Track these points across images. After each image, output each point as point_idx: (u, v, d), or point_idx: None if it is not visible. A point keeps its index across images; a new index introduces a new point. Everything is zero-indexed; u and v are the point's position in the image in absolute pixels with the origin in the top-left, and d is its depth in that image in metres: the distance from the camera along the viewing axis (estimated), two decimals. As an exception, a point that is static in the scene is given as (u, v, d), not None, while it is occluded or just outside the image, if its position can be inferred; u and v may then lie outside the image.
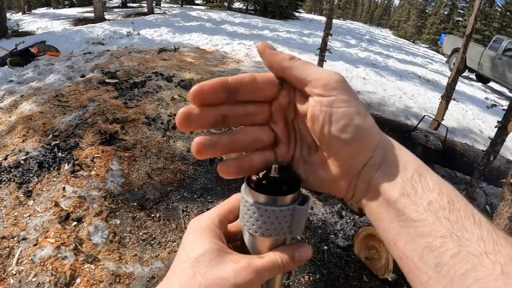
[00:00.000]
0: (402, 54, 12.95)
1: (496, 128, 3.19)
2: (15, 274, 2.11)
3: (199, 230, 0.37)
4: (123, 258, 2.32)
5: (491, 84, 10.55)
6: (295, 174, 0.37)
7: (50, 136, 3.44)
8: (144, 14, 14.81)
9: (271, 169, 0.35)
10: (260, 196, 0.34)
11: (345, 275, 2.44)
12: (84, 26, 10.65)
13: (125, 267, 2.25)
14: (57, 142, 3.31)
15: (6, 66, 5.60)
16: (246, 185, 0.35)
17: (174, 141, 3.70)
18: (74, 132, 3.54)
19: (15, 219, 2.49)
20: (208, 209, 2.15)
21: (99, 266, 2.21)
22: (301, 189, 0.36)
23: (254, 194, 0.34)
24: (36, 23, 13.37)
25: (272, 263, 0.35)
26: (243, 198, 0.36)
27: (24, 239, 2.34)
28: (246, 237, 0.37)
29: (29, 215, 2.54)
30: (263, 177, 0.35)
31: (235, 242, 0.40)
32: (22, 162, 3.04)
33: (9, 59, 5.83)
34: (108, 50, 7.03)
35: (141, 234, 2.57)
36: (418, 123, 3.59)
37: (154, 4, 16.61)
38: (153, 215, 2.76)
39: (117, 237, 2.48)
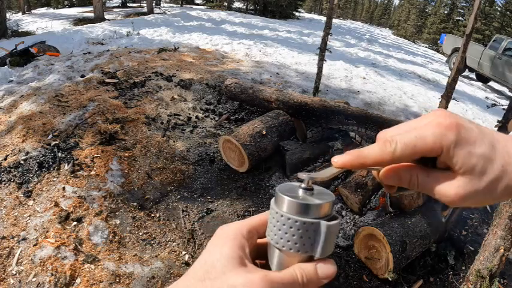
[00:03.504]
0: (402, 53, 12.94)
1: (496, 128, 3.19)
2: (15, 274, 2.11)
3: (223, 236, 0.36)
4: (123, 258, 2.32)
5: (491, 83, 10.54)
6: (327, 190, 0.37)
7: (50, 136, 3.44)
8: (144, 13, 14.80)
9: (304, 181, 0.35)
10: (285, 201, 0.33)
11: (345, 274, 2.44)
12: (84, 26, 10.65)
13: (125, 267, 2.25)
14: (57, 142, 3.31)
15: (6, 66, 5.60)
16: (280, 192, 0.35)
17: (174, 141, 3.70)
18: (74, 132, 3.54)
19: (15, 219, 2.49)
20: (208, 209, 2.16)
21: (99, 266, 2.21)
22: (332, 209, 0.35)
23: (281, 198, 0.34)
24: (36, 23, 13.36)
25: (291, 278, 0.33)
26: (271, 207, 0.35)
27: (24, 239, 2.34)
28: (270, 251, 0.36)
29: (29, 215, 2.54)
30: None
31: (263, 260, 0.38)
32: (22, 162, 3.03)
33: (9, 59, 5.82)
34: (108, 50, 7.03)
35: (141, 234, 2.57)
36: (418, 123, 3.58)
37: (154, 4, 16.60)
38: (153, 215, 2.76)
39: (117, 237, 2.48)
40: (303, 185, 0.35)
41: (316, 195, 0.35)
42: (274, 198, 0.35)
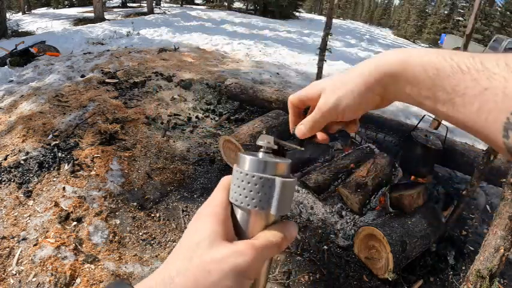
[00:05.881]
0: (402, 53, 12.92)
1: (496, 128, 3.19)
2: (15, 274, 2.11)
3: (205, 214, 0.37)
4: (123, 258, 2.32)
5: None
6: (284, 152, 0.40)
7: (50, 136, 3.44)
8: (144, 13, 14.81)
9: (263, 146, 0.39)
10: (243, 158, 0.36)
11: (345, 274, 2.44)
12: (84, 26, 10.66)
13: (125, 267, 2.25)
14: (57, 142, 3.31)
15: (6, 66, 5.60)
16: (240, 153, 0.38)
17: (174, 141, 3.70)
18: (74, 132, 3.54)
19: (15, 219, 2.49)
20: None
21: (99, 266, 2.21)
22: (289, 170, 0.37)
23: (242, 158, 0.36)
24: (36, 23, 13.36)
25: (268, 241, 0.35)
26: (233, 169, 0.37)
27: (24, 239, 2.34)
28: (234, 215, 0.37)
29: (29, 215, 2.54)
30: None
31: None
32: (22, 162, 3.03)
33: (9, 59, 5.82)
34: (108, 50, 7.03)
35: (141, 234, 2.57)
36: (418, 123, 3.58)
37: (154, 4, 16.60)
38: (153, 215, 2.76)
39: (117, 237, 2.48)
40: (263, 148, 0.38)
41: (274, 157, 0.38)
42: (236, 162, 0.38)
